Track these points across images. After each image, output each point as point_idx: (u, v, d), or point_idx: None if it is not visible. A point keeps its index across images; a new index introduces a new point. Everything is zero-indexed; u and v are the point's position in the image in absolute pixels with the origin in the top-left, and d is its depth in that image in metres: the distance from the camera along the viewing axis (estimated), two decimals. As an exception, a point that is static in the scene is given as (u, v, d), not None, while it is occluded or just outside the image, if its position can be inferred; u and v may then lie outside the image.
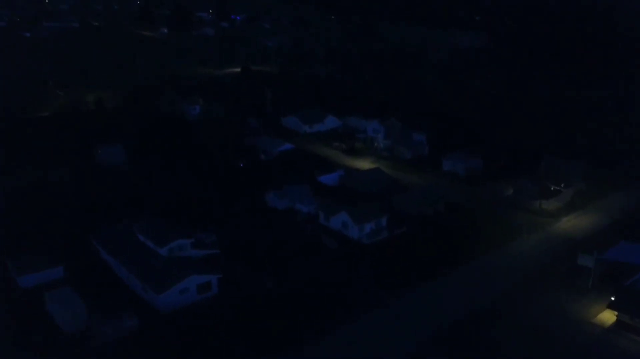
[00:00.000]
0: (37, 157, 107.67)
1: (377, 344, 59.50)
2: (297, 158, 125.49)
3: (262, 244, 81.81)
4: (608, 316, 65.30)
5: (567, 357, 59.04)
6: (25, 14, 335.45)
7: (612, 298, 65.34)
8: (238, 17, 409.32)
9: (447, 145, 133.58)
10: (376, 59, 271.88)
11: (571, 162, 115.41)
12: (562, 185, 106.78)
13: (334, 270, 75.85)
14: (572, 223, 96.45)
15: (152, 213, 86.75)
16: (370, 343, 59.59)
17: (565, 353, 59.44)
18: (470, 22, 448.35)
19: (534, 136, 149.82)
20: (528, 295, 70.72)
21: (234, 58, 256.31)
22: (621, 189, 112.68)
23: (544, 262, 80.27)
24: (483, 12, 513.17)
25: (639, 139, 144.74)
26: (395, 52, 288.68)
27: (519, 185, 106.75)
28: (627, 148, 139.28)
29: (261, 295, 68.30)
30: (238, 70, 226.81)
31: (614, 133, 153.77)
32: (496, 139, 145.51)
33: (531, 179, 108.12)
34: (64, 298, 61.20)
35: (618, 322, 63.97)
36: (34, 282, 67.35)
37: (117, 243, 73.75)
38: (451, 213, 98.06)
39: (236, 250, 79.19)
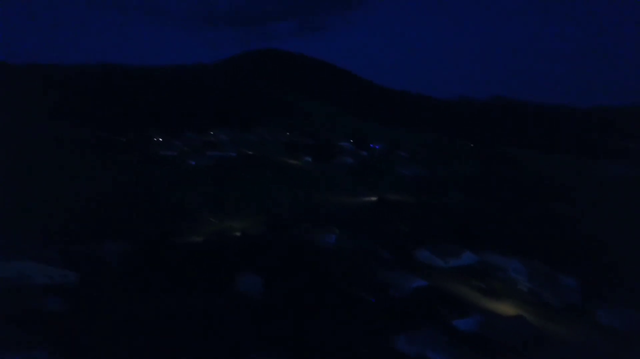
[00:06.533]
0: (181, 283, 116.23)
1: None
2: (430, 297, 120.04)
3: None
4: None
5: None
6: (192, 145, 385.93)
7: None
8: (377, 146, 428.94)
9: (605, 293, 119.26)
10: (517, 190, 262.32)
11: None
12: None
13: None
14: None
15: (281, 350, 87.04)
16: None
17: None
18: (621, 152, 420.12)
19: None
20: None
21: (371, 187, 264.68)
22: None
23: None
24: (635, 140, 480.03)
25: None
26: (537, 183, 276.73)
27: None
28: None
29: None
30: (374, 198, 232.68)
31: None
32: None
33: None
34: None
35: None
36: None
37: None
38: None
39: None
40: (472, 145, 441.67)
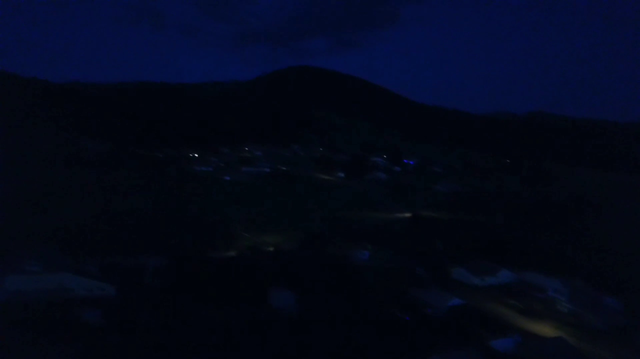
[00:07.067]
0: (214, 297, 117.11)
1: None
2: (466, 316, 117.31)
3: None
4: None
5: None
6: (227, 160, 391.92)
7: None
8: (411, 162, 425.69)
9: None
10: (555, 206, 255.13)
11: None
12: None
13: None
14: None
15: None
16: None
17: None
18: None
19: None
20: None
21: (405, 203, 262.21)
22: None
23: None
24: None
25: None
26: (577, 200, 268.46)
27: None
28: None
29: None
30: (408, 214, 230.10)
31: None
32: None
33: None
34: None
35: None
36: None
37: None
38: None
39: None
40: (508, 160, 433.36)
